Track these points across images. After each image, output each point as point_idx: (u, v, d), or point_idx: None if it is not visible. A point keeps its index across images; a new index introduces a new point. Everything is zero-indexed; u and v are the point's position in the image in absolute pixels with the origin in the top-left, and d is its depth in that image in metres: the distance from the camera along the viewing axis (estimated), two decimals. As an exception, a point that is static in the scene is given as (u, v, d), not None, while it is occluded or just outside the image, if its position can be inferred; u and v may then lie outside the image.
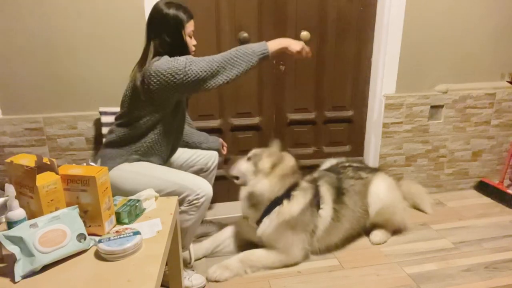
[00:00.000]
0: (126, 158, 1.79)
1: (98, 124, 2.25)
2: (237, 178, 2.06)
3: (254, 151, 2.08)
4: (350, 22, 2.58)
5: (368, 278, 1.99)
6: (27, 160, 1.18)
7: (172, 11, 1.71)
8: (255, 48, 1.73)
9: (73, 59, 2.19)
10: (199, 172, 2.11)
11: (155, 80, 1.64)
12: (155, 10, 1.74)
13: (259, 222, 2.03)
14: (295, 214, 1.99)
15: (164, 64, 1.64)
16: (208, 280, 1.96)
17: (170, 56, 1.69)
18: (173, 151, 1.97)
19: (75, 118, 2.26)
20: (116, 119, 1.86)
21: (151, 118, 1.75)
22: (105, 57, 2.21)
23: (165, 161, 1.93)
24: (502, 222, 2.52)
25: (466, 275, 2.01)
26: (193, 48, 1.83)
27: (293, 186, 2.04)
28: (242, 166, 2.04)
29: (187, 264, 1.95)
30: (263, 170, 1.99)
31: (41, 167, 1.15)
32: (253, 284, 1.95)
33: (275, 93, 2.61)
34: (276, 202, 1.99)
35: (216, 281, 1.94)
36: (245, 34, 2.41)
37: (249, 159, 2.06)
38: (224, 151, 2.35)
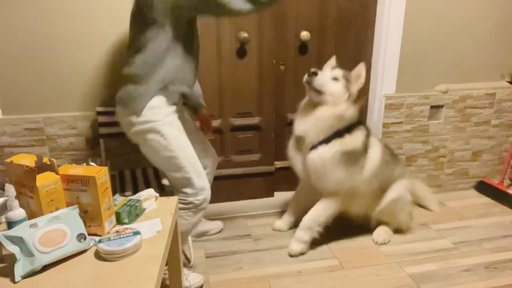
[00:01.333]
0: (154, 93, 1.65)
1: (98, 124, 2.25)
2: (321, 93, 1.99)
3: (341, 71, 2.03)
4: (350, 22, 2.58)
5: (368, 278, 1.99)
6: (27, 160, 1.18)
7: None
8: None
9: (72, 59, 2.19)
10: None
11: None
12: None
13: (313, 147, 2.03)
14: (358, 147, 2.03)
15: None
16: (291, 255, 2.16)
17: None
18: (195, 76, 1.85)
19: (75, 118, 2.26)
20: (127, 48, 1.73)
21: (162, 39, 1.61)
22: (105, 57, 2.21)
23: (191, 88, 1.82)
24: (502, 222, 2.52)
25: (466, 275, 2.01)
26: None
27: (358, 122, 2.07)
28: (333, 87, 1.99)
29: (187, 265, 1.96)
30: (353, 96, 1.99)
31: (41, 167, 1.15)
32: (253, 284, 1.95)
33: (275, 93, 2.61)
34: (340, 132, 2.01)
35: (301, 254, 2.17)
36: (245, 34, 2.41)
37: (336, 79, 2.00)
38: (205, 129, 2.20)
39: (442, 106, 2.73)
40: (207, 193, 1.74)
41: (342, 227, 2.31)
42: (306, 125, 2.04)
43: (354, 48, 2.64)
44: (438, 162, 2.86)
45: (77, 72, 2.21)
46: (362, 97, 2.04)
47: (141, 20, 1.62)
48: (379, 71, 2.64)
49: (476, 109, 2.79)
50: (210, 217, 2.49)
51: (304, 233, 2.17)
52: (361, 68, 2.01)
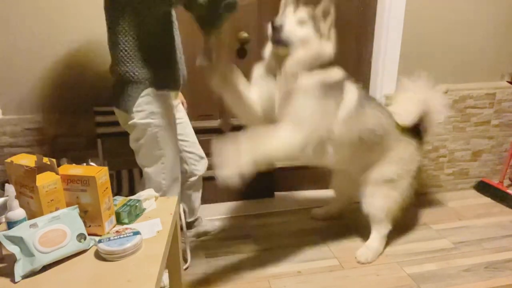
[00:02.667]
0: (144, 87, 1.69)
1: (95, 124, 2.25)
2: (289, 44, 1.75)
3: (305, 11, 1.78)
4: (350, 22, 2.58)
5: (368, 278, 1.99)
6: (27, 160, 1.18)
7: None
8: None
9: (72, 59, 2.19)
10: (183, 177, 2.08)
11: None
12: None
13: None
14: (338, 80, 1.84)
15: None
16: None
17: None
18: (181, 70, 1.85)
19: (75, 118, 2.26)
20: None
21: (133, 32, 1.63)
22: (105, 57, 2.21)
23: (179, 83, 1.84)
24: (502, 222, 2.52)
25: (466, 275, 2.01)
26: None
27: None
28: (301, 33, 1.75)
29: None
30: (325, 35, 1.78)
31: (41, 167, 1.15)
32: (253, 284, 1.95)
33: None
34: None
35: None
36: (245, 34, 2.41)
37: (302, 22, 1.76)
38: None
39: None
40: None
41: (342, 227, 2.31)
42: (284, 65, 1.79)
43: (354, 48, 2.64)
44: (438, 162, 2.86)
45: (77, 72, 2.21)
46: (331, 33, 1.81)
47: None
48: (379, 71, 2.63)
49: (476, 109, 2.79)
50: (211, 217, 2.49)
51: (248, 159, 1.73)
52: (327, 2, 1.77)
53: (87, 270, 1.07)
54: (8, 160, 1.18)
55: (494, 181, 2.89)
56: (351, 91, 1.92)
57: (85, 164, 1.35)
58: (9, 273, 1.03)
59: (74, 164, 1.29)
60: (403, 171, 2.10)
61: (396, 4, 2.48)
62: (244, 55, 2.47)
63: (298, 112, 1.77)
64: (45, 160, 1.16)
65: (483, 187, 2.92)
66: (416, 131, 2.13)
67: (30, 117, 2.22)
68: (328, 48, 1.80)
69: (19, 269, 1.02)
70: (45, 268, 1.05)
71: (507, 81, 2.79)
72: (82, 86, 2.24)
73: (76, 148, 2.30)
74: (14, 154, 1.23)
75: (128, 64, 1.69)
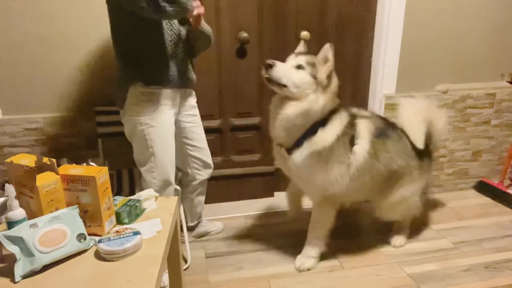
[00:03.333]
0: (130, 83, 1.75)
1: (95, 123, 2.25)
2: (284, 86, 1.77)
3: (304, 57, 1.79)
4: (350, 22, 2.58)
5: (368, 278, 1.99)
6: (27, 160, 1.18)
7: None
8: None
9: (72, 59, 2.19)
10: (185, 180, 2.11)
11: None
12: None
13: (290, 151, 1.83)
14: (330, 143, 1.78)
15: None
16: (300, 270, 2.05)
17: None
18: (182, 76, 1.86)
19: (75, 118, 2.26)
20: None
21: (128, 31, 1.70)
22: (104, 57, 2.21)
23: (170, 80, 1.83)
24: (502, 222, 2.52)
25: (466, 275, 2.01)
26: None
27: (333, 111, 1.82)
28: (296, 76, 1.75)
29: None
30: (322, 83, 1.75)
31: (41, 167, 1.15)
32: (253, 284, 1.95)
33: (275, 93, 2.60)
34: (313, 128, 1.79)
35: (308, 270, 2.05)
36: (245, 34, 2.41)
37: (299, 67, 1.77)
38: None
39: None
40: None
41: (342, 227, 2.31)
42: (276, 128, 1.84)
43: (354, 48, 2.64)
44: (438, 162, 2.86)
45: (77, 72, 2.21)
46: (332, 81, 1.80)
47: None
48: (379, 71, 2.64)
49: (476, 109, 2.79)
50: (211, 217, 2.49)
51: (312, 249, 2.06)
52: (326, 49, 1.77)
53: (87, 270, 1.07)
54: (8, 160, 1.18)
55: (494, 181, 2.89)
56: (361, 139, 1.88)
57: (85, 164, 1.35)
58: (9, 273, 1.03)
59: (74, 164, 1.29)
60: (416, 189, 2.12)
61: (396, 4, 2.48)
62: (244, 55, 2.47)
63: (314, 191, 1.94)
64: (45, 160, 1.16)
65: (483, 187, 2.92)
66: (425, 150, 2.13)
67: (30, 117, 2.22)
68: (320, 101, 1.77)
69: (19, 269, 1.02)
70: (45, 268, 1.05)
71: (507, 81, 2.79)
72: (83, 86, 2.24)
73: (76, 148, 2.30)
74: (14, 154, 1.23)
75: (120, 62, 1.78)
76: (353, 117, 1.91)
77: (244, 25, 2.42)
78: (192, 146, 2.05)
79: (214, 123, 2.57)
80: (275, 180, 2.79)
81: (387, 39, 2.55)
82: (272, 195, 2.83)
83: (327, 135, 1.80)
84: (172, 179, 1.90)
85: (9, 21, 2.07)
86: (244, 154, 2.67)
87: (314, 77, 1.76)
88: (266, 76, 1.78)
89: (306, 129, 1.79)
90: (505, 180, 2.83)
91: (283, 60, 1.83)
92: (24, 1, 2.05)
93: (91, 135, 2.29)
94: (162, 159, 1.85)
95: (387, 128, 1.99)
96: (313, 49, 2.56)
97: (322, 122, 1.80)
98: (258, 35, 2.46)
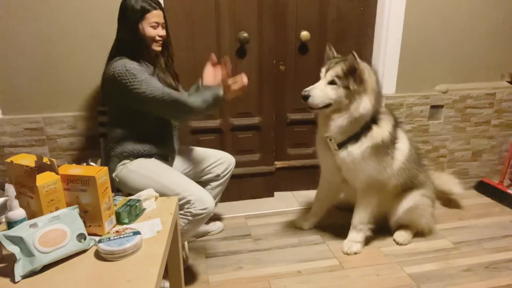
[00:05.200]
0: (119, 160, 1.81)
1: (98, 124, 2.25)
2: (325, 107, 1.93)
3: (334, 71, 1.90)
4: (350, 22, 2.58)
5: (368, 278, 1.99)
6: (27, 160, 1.18)
7: (131, 2, 1.71)
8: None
9: (73, 59, 2.19)
10: (213, 179, 2.10)
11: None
12: (121, 1, 1.75)
13: (341, 145, 2.00)
14: (386, 137, 1.98)
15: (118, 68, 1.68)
16: (348, 254, 2.16)
17: (130, 52, 1.73)
18: (169, 149, 1.94)
19: (75, 118, 2.26)
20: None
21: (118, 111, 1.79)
22: (105, 57, 2.21)
23: (167, 158, 1.92)
24: (502, 222, 2.52)
25: (466, 275, 2.01)
26: (158, 38, 1.78)
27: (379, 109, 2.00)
28: (331, 94, 1.90)
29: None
30: (356, 91, 1.88)
31: (41, 167, 1.15)
32: (253, 284, 1.95)
33: (275, 93, 2.61)
34: (366, 126, 1.96)
35: (355, 253, 2.17)
36: (245, 34, 2.41)
37: (332, 82, 1.91)
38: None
39: (442, 106, 2.73)
40: (208, 204, 1.70)
41: (342, 227, 2.31)
42: (328, 129, 1.98)
43: (354, 48, 2.63)
44: (438, 162, 2.86)
45: (77, 72, 2.21)
46: (368, 82, 1.89)
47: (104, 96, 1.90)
48: (379, 71, 2.63)
49: (476, 109, 2.79)
50: (211, 217, 2.49)
51: (357, 234, 2.20)
52: (351, 59, 1.87)
53: (87, 270, 1.07)
54: (8, 160, 1.18)
55: (494, 181, 2.89)
56: (402, 140, 2.11)
57: (85, 164, 1.35)
58: (9, 273, 1.03)
59: (74, 164, 1.29)
60: (428, 197, 2.26)
61: (396, 4, 2.48)
62: (244, 55, 2.47)
63: (363, 180, 2.06)
64: (45, 160, 1.16)
65: (483, 187, 2.92)
66: None
67: (30, 117, 2.22)
68: (365, 105, 1.90)
69: (19, 269, 1.02)
70: (45, 268, 1.05)
71: (507, 81, 2.79)
72: (83, 85, 2.24)
73: (76, 148, 2.30)
74: (14, 154, 1.23)
75: (111, 140, 1.83)
76: (395, 120, 2.11)
77: (244, 25, 2.42)
78: (200, 171, 2.07)
79: (214, 123, 2.57)
80: (275, 180, 2.79)
81: (387, 39, 2.55)
82: (272, 195, 2.83)
83: (383, 130, 2.00)
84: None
85: (9, 21, 2.07)
86: (244, 154, 2.67)
87: (348, 88, 1.89)
88: (308, 106, 1.94)
89: (361, 127, 1.96)
90: (505, 180, 2.83)
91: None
92: (24, 1, 2.05)
93: (92, 135, 2.29)
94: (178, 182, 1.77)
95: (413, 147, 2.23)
96: (314, 49, 2.58)
97: (373, 119, 1.98)
98: (258, 35, 2.46)
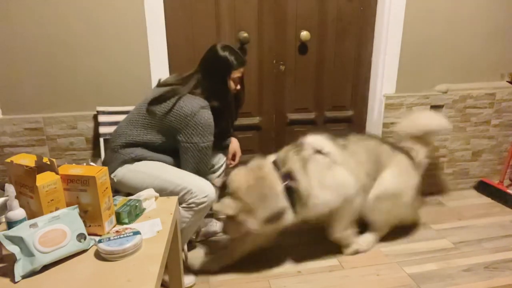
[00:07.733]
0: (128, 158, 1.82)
1: (97, 123, 2.25)
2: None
3: (233, 186, 1.87)
4: (350, 22, 2.58)
5: (368, 278, 1.99)
6: (27, 160, 1.18)
7: (224, 54, 1.83)
8: None
9: (73, 59, 2.19)
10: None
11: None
12: (211, 50, 1.86)
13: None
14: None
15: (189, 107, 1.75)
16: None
17: (206, 93, 1.81)
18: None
19: (75, 118, 2.26)
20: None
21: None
22: (104, 57, 2.21)
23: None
24: (502, 222, 2.52)
25: (466, 275, 2.01)
26: (234, 91, 1.92)
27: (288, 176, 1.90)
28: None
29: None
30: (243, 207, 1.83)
31: (41, 167, 1.15)
32: (253, 284, 1.95)
33: (275, 93, 2.61)
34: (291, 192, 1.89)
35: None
36: (245, 34, 2.41)
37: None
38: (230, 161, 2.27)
39: (442, 106, 2.73)
40: (209, 193, 1.74)
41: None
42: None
43: (354, 48, 2.64)
44: (438, 162, 2.86)
45: (77, 72, 2.21)
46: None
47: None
48: (379, 71, 2.64)
49: (476, 109, 2.79)
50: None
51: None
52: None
53: (87, 270, 1.07)
54: (8, 160, 1.18)
55: (494, 181, 2.89)
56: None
57: (85, 164, 1.35)
58: (9, 273, 1.03)
59: (74, 164, 1.29)
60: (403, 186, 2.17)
61: (396, 4, 2.48)
62: (244, 55, 2.47)
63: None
64: (45, 160, 1.16)
65: (483, 187, 2.92)
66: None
67: (30, 117, 2.22)
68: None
69: (19, 269, 1.02)
70: (45, 268, 1.05)
71: (507, 81, 2.79)
72: (83, 85, 2.24)
73: (76, 148, 2.30)
74: (14, 154, 1.23)
75: (125, 138, 1.84)
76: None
77: (244, 25, 2.42)
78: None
79: (214, 123, 2.56)
80: (275, 180, 2.79)
81: (387, 39, 2.55)
82: (272, 195, 2.82)
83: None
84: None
85: (9, 22, 2.07)
86: (244, 154, 2.66)
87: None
88: None
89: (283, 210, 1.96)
90: (505, 180, 2.83)
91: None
92: (24, 2, 2.06)
93: (93, 135, 2.29)
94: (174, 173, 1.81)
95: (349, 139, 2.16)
96: (314, 49, 2.58)
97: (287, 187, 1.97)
98: (258, 35, 2.46)
